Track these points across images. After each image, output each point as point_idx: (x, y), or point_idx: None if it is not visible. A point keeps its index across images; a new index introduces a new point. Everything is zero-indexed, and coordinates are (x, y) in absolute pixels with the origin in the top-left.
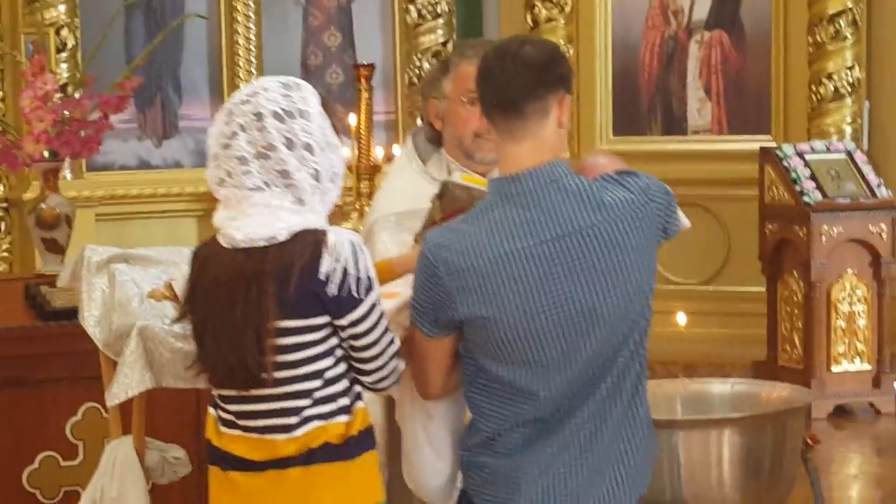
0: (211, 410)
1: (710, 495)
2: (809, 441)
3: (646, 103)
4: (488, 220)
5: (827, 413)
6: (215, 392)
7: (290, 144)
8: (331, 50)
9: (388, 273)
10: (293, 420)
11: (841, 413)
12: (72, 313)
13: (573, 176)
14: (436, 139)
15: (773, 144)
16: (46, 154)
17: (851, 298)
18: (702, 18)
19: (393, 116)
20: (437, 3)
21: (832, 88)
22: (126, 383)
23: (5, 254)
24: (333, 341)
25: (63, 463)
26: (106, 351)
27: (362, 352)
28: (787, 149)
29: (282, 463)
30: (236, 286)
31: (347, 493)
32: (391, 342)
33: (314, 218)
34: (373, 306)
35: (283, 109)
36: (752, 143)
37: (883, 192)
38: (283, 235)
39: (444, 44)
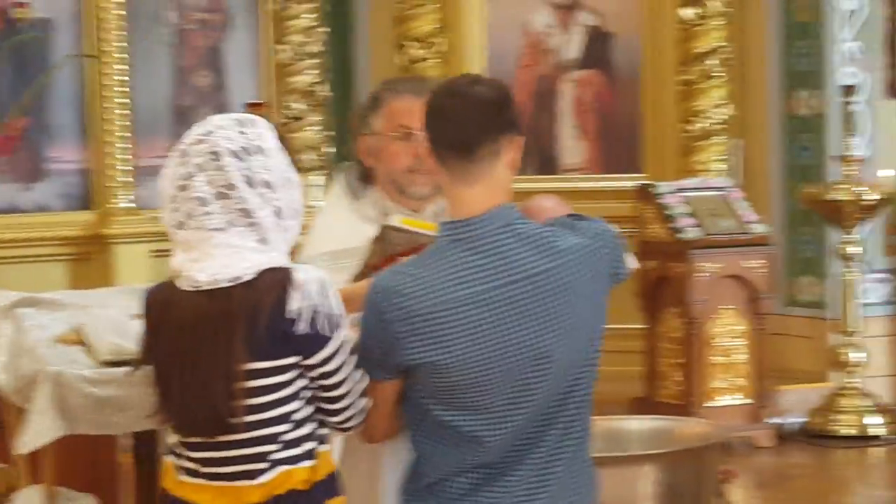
0: (169, 458)
1: None
2: (724, 475)
3: None
4: (440, 265)
5: None
6: (175, 439)
7: (249, 182)
8: (202, 91)
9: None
10: (261, 466)
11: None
12: None
13: (525, 221)
14: (366, 176)
15: (647, 182)
16: None
17: (730, 334)
18: (574, 57)
19: None
20: (308, 43)
21: (703, 126)
22: (38, 430)
23: None
24: (301, 382)
25: None
26: (14, 397)
27: (331, 391)
28: (664, 186)
29: None
30: (203, 329)
31: None
32: (359, 380)
33: (278, 256)
34: (341, 344)
35: (240, 147)
36: (626, 181)
37: (759, 229)
38: (248, 275)
39: (317, 83)
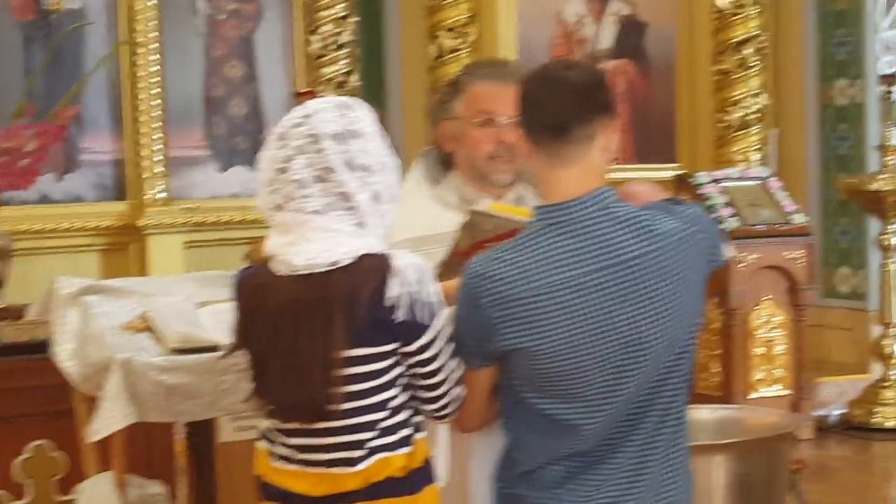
0: (261, 444)
1: None
2: (798, 467)
3: None
4: (535, 249)
5: None
6: (270, 425)
7: (349, 165)
8: (233, 81)
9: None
10: (358, 453)
11: None
12: (15, 349)
13: (622, 204)
14: (446, 162)
15: (685, 172)
16: None
17: (769, 325)
18: (607, 47)
19: None
20: (339, 34)
21: (738, 116)
22: (108, 418)
23: None
24: (398, 370)
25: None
26: (81, 385)
27: (427, 379)
28: (703, 176)
29: (345, 498)
30: (301, 314)
31: None
32: (454, 368)
33: (375, 241)
34: (439, 332)
35: (340, 130)
36: (661, 171)
37: (798, 219)
38: (346, 260)
39: (348, 74)
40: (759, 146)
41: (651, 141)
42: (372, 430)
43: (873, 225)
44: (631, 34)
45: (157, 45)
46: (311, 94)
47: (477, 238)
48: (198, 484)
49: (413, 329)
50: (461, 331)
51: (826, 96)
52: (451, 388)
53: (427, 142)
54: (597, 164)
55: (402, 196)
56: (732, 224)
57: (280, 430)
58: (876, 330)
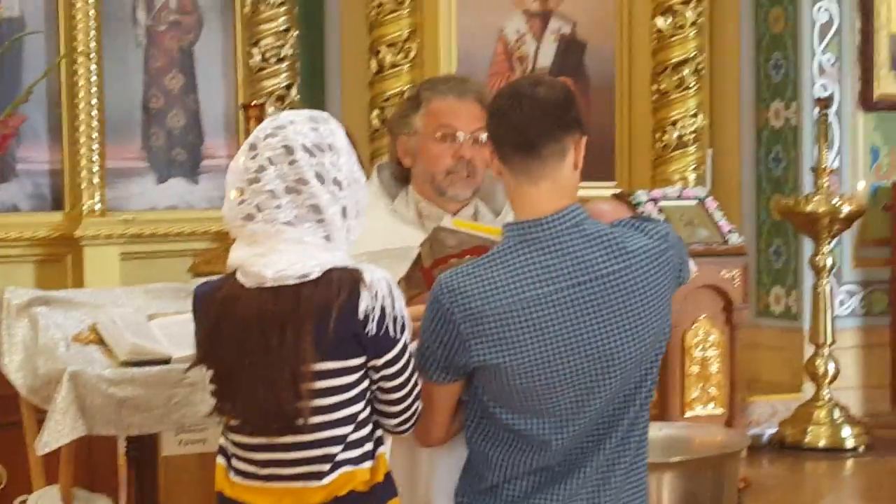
0: (220, 460)
1: None
2: (742, 484)
3: None
4: (507, 265)
5: None
6: (233, 440)
7: (320, 179)
8: (172, 93)
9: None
10: (325, 467)
11: None
12: None
13: (593, 221)
14: (401, 176)
15: (620, 191)
16: None
17: (704, 344)
18: (546, 65)
19: None
20: (281, 47)
21: (676, 136)
22: (58, 430)
23: None
24: (365, 383)
25: None
26: (30, 397)
27: (391, 393)
28: (641, 195)
29: None
30: (270, 327)
31: None
32: (416, 383)
33: (342, 255)
34: (405, 346)
35: (312, 143)
36: (598, 189)
37: (734, 239)
38: (315, 273)
39: (288, 87)
40: (695, 166)
41: (589, 159)
42: (340, 444)
43: (807, 245)
44: (571, 53)
45: (97, 55)
46: (259, 108)
47: (440, 254)
48: (140, 497)
49: (383, 342)
50: (431, 345)
51: (762, 118)
52: (413, 402)
53: (370, 156)
54: (567, 181)
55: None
56: None
57: (244, 446)
58: (808, 350)
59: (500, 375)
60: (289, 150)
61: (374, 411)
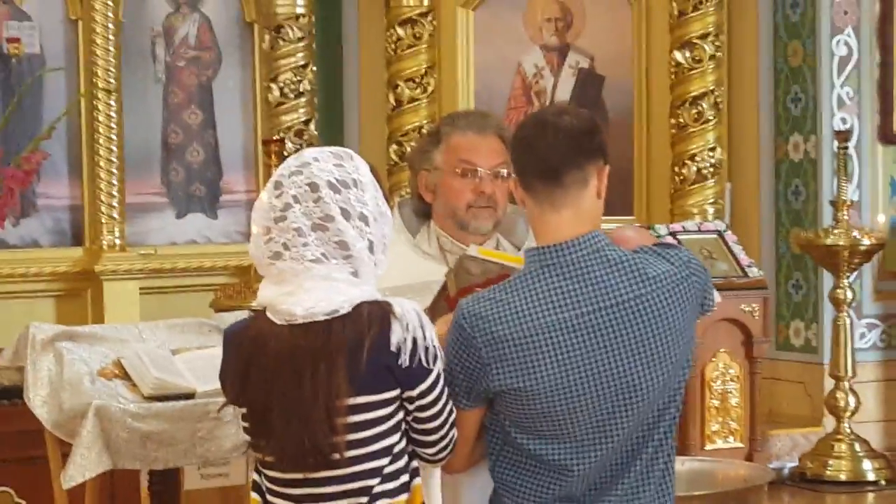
0: (254, 495)
1: None
2: None
3: None
4: (529, 290)
5: None
6: (267, 475)
7: (346, 215)
8: (192, 128)
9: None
10: (363, 500)
11: None
12: None
13: (615, 248)
14: (422, 211)
15: (644, 225)
16: None
17: (724, 377)
18: (564, 99)
19: (254, 195)
20: (299, 82)
21: (695, 170)
22: (83, 465)
23: None
24: (400, 415)
25: None
26: (55, 431)
27: (427, 423)
28: (661, 229)
29: None
30: (303, 363)
31: None
32: (451, 411)
33: (370, 289)
34: (439, 375)
35: (337, 179)
36: (615, 223)
37: (754, 272)
38: (345, 308)
39: (307, 122)
40: (714, 199)
41: (608, 193)
42: (377, 476)
43: (827, 279)
44: (589, 87)
45: (116, 91)
46: (279, 143)
47: (464, 283)
48: None
49: (417, 374)
50: (452, 371)
51: (780, 151)
52: (450, 430)
53: (389, 190)
54: (590, 208)
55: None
56: None
57: (280, 481)
58: (829, 383)
59: (521, 400)
60: (314, 187)
61: (410, 441)
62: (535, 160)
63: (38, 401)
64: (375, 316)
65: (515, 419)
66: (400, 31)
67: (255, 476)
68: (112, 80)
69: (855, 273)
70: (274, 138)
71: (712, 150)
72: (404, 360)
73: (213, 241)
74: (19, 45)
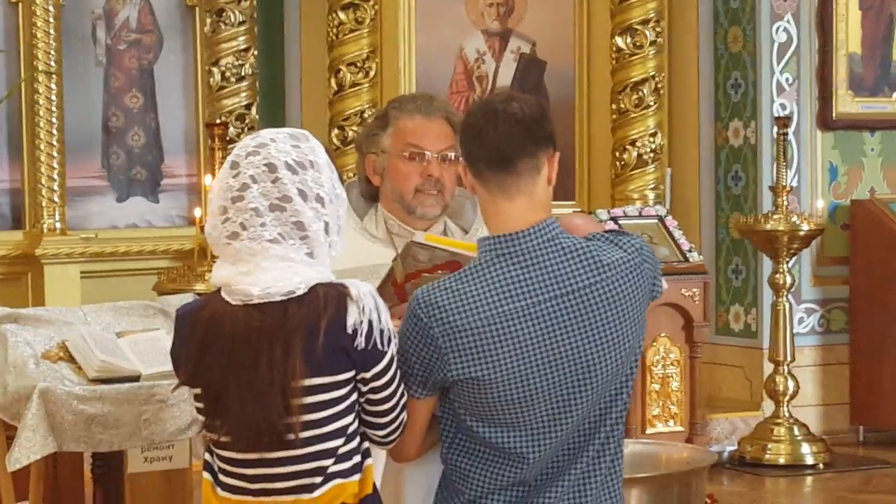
0: (206, 475)
1: None
2: (709, 501)
3: None
4: (485, 279)
5: None
6: (220, 455)
7: (303, 196)
8: (132, 112)
9: None
10: (317, 479)
11: None
12: None
13: (568, 235)
14: (369, 194)
15: (579, 210)
16: None
17: (665, 361)
18: (506, 84)
19: (195, 179)
20: (241, 66)
21: (635, 155)
22: (28, 447)
23: None
24: (354, 396)
25: None
26: (0, 414)
27: (380, 405)
28: (602, 214)
29: None
30: (259, 344)
31: None
32: (403, 394)
33: (325, 271)
34: (392, 358)
35: (294, 161)
36: (557, 208)
37: (695, 257)
38: (301, 290)
39: (248, 106)
40: (654, 185)
41: None
42: (331, 456)
43: (766, 264)
44: (530, 72)
45: (57, 74)
46: (224, 126)
47: (412, 268)
48: None
49: (372, 356)
50: (408, 360)
51: (720, 137)
52: (400, 413)
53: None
54: (542, 196)
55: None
56: None
57: (233, 461)
58: (768, 367)
59: (477, 389)
60: (272, 167)
61: (361, 423)
62: (486, 149)
63: None
64: (332, 297)
65: (470, 407)
66: (342, 15)
67: (207, 456)
68: (53, 63)
69: (794, 258)
70: (217, 122)
71: (653, 135)
72: (360, 342)
73: (154, 224)
74: None
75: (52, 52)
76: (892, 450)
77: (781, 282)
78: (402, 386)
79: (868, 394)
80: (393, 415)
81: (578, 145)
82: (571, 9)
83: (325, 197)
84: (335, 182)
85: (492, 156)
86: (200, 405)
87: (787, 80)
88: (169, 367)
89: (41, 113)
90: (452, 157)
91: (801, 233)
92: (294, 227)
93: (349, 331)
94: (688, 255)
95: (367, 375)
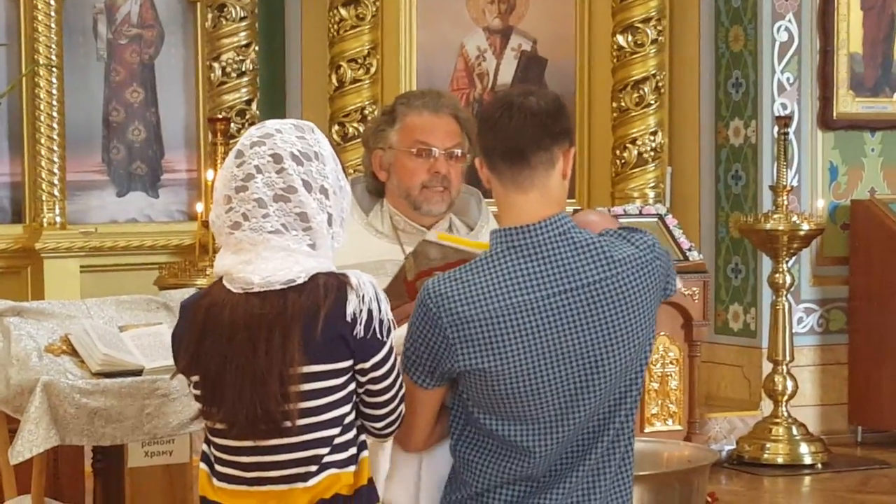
0: (202, 466)
1: None
2: (710, 499)
3: None
4: (495, 271)
5: None
6: (217, 444)
7: (308, 187)
8: (133, 106)
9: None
10: (312, 468)
11: None
12: None
13: (580, 230)
14: (375, 189)
15: (579, 208)
16: None
17: (664, 360)
18: (507, 82)
19: (195, 175)
20: (241, 62)
21: (636, 153)
22: (31, 440)
23: None
24: (352, 386)
25: None
26: (2, 407)
27: (377, 396)
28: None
29: None
30: (257, 331)
31: None
32: (401, 386)
33: (326, 262)
34: (391, 349)
35: (300, 152)
36: None
37: (694, 256)
38: (301, 278)
39: (249, 102)
40: (654, 183)
41: None
42: (327, 445)
43: (766, 263)
44: (531, 69)
45: (58, 68)
46: (226, 122)
47: (424, 266)
48: None
49: (371, 345)
50: (417, 350)
51: (721, 136)
52: (398, 405)
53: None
54: (556, 190)
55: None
56: None
57: (229, 449)
58: (767, 367)
59: (485, 380)
60: (277, 158)
61: (359, 415)
62: (501, 141)
63: None
64: (332, 286)
65: (479, 399)
66: (343, 11)
67: (204, 446)
68: (53, 58)
69: (794, 258)
70: (220, 117)
71: (653, 134)
72: (359, 330)
73: (153, 219)
74: None
75: (53, 46)
76: (890, 450)
77: (781, 281)
78: (401, 379)
79: (867, 394)
80: (391, 407)
81: (579, 143)
82: (572, 6)
83: (330, 189)
84: (339, 174)
85: (506, 148)
86: (198, 392)
87: (787, 79)
88: (171, 361)
89: (42, 107)
90: (459, 154)
91: (801, 232)
92: (297, 218)
93: (348, 319)
94: (687, 253)
95: (366, 365)
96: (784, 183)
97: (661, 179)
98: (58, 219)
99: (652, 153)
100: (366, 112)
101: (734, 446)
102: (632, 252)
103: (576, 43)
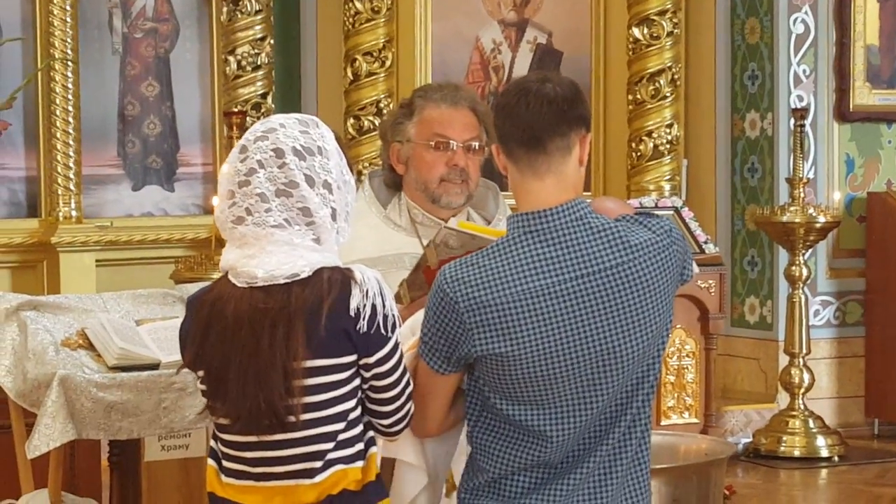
0: (211, 462)
1: None
2: (727, 492)
3: None
4: (512, 256)
5: None
6: (223, 439)
7: (310, 182)
8: (148, 100)
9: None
10: (317, 464)
11: None
12: None
13: (597, 215)
14: (393, 182)
15: None
16: None
17: (680, 353)
18: (522, 75)
19: (211, 168)
20: (257, 55)
21: (652, 146)
22: (48, 434)
23: None
24: (356, 381)
25: None
26: (19, 401)
27: (383, 392)
28: None
29: None
30: (261, 325)
31: None
32: (408, 383)
33: (331, 256)
34: (396, 344)
35: (302, 146)
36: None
37: (710, 249)
38: (305, 272)
39: (264, 95)
40: (670, 176)
41: None
42: (331, 441)
43: (782, 256)
44: (546, 62)
45: (73, 62)
46: (242, 115)
47: (444, 255)
48: (123, 502)
49: (374, 340)
50: (433, 335)
51: (737, 128)
52: (404, 403)
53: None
54: (573, 176)
55: (352, 216)
56: None
57: (235, 444)
58: (783, 360)
59: (502, 365)
60: (279, 153)
61: (365, 411)
62: (517, 127)
63: (2, 370)
64: (336, 280)
65: (495, 385)
66: (358, 4)
67: (212, 443)
68: (69, 52)
69: (810, 250)
70: (235, 110)
71: (669, 126)
72: (363, 325)
73: (169, 213)
74: None
75: (69, 40)
76: None
77: (797, 274)
78: (408, 375)
79: (883, 387)
80: (397, 403)
81: (594, 136)
82: None
83: (333, 183)
84: (344, 168)
85: (523, 135)
86: (204, 387)
87: (804, 71)
88: None
89: (57, 101)
90: (477, 147)
91: (818, 225)
92: (300, 212)
93: (352, 313)
94: (703, 246)
95: (370, 361)
96: (800, 175)
97: (677, 172)
98: (73, 213)
99: (668, 146)
100: (381, 105)
101: (751, 439)
102: (649, 237)
103: (591, 35)
